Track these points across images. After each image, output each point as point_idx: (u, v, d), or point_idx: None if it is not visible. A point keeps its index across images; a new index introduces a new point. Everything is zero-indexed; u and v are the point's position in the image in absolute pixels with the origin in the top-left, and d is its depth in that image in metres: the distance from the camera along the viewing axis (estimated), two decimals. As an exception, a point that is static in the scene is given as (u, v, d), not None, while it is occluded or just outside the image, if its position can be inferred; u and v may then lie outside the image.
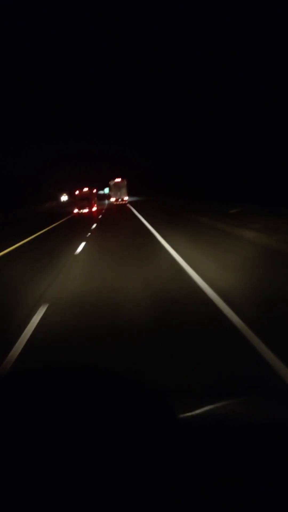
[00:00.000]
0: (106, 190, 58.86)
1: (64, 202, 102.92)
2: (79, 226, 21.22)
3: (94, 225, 20.45)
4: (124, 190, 50.60)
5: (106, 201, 59.59)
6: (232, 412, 1.08)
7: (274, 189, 28.29)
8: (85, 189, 43.02)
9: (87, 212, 38.23)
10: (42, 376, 1.04)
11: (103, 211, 36.12)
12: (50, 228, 21.76)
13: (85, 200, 41.32)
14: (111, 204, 50.97)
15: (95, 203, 42.05)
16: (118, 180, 50.81)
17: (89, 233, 16.53)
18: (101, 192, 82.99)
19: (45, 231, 19.84)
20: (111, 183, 51.35)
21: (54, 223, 25.40)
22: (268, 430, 0.92)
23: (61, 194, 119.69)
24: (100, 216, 28.54)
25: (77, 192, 43.36)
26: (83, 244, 12.88)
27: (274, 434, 0.89)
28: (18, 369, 3.54)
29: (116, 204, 48.06)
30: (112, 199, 51.25)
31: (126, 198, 50.70)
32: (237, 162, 45.35)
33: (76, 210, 39.70)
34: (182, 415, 0.97)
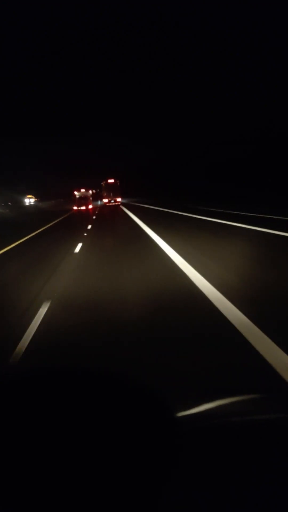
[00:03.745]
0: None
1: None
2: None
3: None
4: (116, 191, 50.42)
5: (99, 202, 60.02)
6: (232, 411, 1.07)
7: (275, 189, 28.36)
8: (83, 190, 50.69)
9: (84, 209, 46.29)
10: (40, 375, 1.04)
11: (97, 211, 39.41)
12: None
13: (83, 199, 49.89)
14: (103, 205, 51.21)
15: (91, 202, 50.66)
16: (110, 180, 50.64)
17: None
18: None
19: None
20: (104, 183, 51.40)
21: None
22: (268, 429, 0.91)
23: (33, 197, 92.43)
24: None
25: (76, 192, 51.06)
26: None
27: (274, 433, 0.88)
28: (18, 369, 3.53)
29: (109, 205, 48.32)
30: (105, 200, 51.15)
31: (119, 199, 50.42)
32: (236, 162, 45.47)
33: (75, 207, 48.56)
34: (181, 414, 0.97)
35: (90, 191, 53.44)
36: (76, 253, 10.49)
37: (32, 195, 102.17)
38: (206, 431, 0.89)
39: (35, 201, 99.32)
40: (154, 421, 0.85)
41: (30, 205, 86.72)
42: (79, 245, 11.77)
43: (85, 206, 48.80)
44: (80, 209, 47.03)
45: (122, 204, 47.76)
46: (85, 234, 15.55)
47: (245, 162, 44.84)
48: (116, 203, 49.26)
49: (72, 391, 0.96)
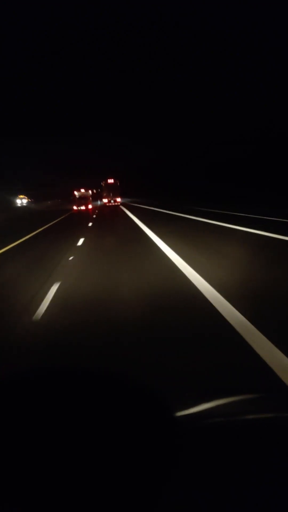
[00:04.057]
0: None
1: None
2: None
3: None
4: (116, 191, 50.59)
5: (99, 202, 60.02)
6: (232, 411, 1.07)
7: (275, 189, 28.36)
8: (82, 190, 51.54)
9: (84, 209, 47.26)
10: (40, 375, 1.04)
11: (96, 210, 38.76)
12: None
13: (83, 199, 50.63)
14: (102, 205, 51.37)
15: (90, 202, 51.47)
16: (110, 180, 50.88)
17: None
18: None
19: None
20: (103, 183, 51.72)
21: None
22: (268, 429, 0.91)
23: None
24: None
25: (76, 192, 51.90)
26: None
27: (274, 433, 0.88)
28: (18, 369, 3.52)
29: (108, 206, 48.37)
30: (104, 200, 51.43)
31: (118, 199, 50.60)
32: (236, 162, 45.49)
33: (75, 207, 49.11)
34: (181, 413, 0.97)
35: (90, 191, 54.34)
36: (38, 323, 4.38)
37: (25, 195, 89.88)
38: (206, 431, 0.89)
39: (27, 202, 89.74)
40: (154, 421, 0.85)
41: (21, 206, 76.56)
42: (54, 288, 5.87)
43: (85, 206, 49.55)
44: (80, 209, 47.86)
45: (122, 204, 47.80)
46: (70, 258, 9.07)
47: (245, 162, 44.88)
48: (116, 203, 49.43)
49: (72, 391, 0.96)
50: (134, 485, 0.67)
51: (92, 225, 20.53)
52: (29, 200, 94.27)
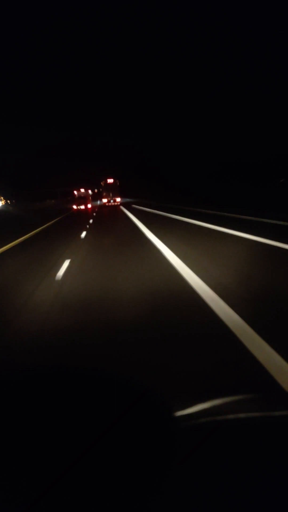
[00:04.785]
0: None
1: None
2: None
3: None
4: (116, 191, 50.81)
5: (98, 202, 60.54)
6: (232, 411, 1.07)
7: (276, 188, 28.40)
8: (82, 190, 53.63)
9: (83, 209, 49.38)
10: (40, 375, 1.04)
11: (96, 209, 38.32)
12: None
13: (82, 199, 52.63)
14: (102, 205, 51.79)
15: (90, 202, 53.73)
16: (110, 180, 51.03)
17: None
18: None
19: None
20: (103, 183, 51.91)
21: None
22: (268, 429, 0.91)
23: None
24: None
25: (75, 192, 54.00)
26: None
27: (274, 433, 0.88)
28: (18, 369, 3.51)
29: (108, 205, 48.35)
30: (104, 200, 51.77)
31: (118, 199, 50.79)
32: (239, 164, 45.56)
33: (75, 206, 51.20)
34: (180, 413, 0.97)
35: (90, 191, 56.49)
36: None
37: (1, 195, 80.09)
38: (205, 431, 0.88)
39: (3, 205, 74.14)
40: (153, 421, 0.85)
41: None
42: None
43: (84, 206, 51.11)
44: (80, 208, 49.65)
45: (123, 205, 47.61)
46: None
47: (245, 162, 45.02)
48: (116, 203, 49.55)
49: (72, 390, 0.96)
50: (134, 485, 0.67)
51: (71, 262, 8.78)
52: (7, 201, 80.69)
